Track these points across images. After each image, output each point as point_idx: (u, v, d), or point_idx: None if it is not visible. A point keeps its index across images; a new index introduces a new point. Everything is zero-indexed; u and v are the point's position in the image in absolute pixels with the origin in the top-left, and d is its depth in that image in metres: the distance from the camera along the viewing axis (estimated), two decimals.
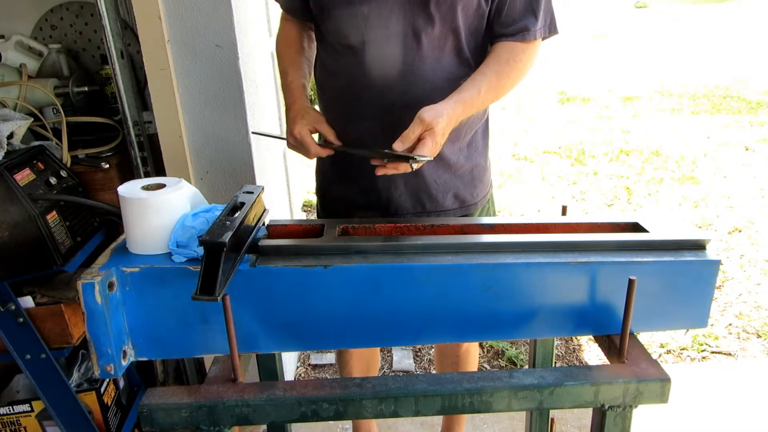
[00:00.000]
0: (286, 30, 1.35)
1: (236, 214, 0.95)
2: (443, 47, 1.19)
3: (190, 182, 1.61)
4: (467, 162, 1.33)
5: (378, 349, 1.81)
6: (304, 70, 1.31)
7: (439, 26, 1.16)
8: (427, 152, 1.06)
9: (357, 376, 1.66)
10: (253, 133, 1.58)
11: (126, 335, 0.94)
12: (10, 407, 1.64)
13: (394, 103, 1.20)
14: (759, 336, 2.46)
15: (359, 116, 1.24)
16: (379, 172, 1.09)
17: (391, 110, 1.21)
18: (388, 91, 1.20)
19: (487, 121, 1.37)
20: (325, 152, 1.20)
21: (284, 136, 1.39)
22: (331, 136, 1.20)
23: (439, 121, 1.07)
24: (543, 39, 1.23)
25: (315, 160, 1.43)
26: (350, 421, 1.92)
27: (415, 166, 1.06)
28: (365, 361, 1.68)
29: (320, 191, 1.47)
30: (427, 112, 1.07)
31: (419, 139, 1.07)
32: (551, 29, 1.23)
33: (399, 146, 1.05)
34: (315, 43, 1.36)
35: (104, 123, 1.77)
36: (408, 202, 1.31)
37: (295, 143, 1.21)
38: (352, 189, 1.34)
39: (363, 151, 1.17)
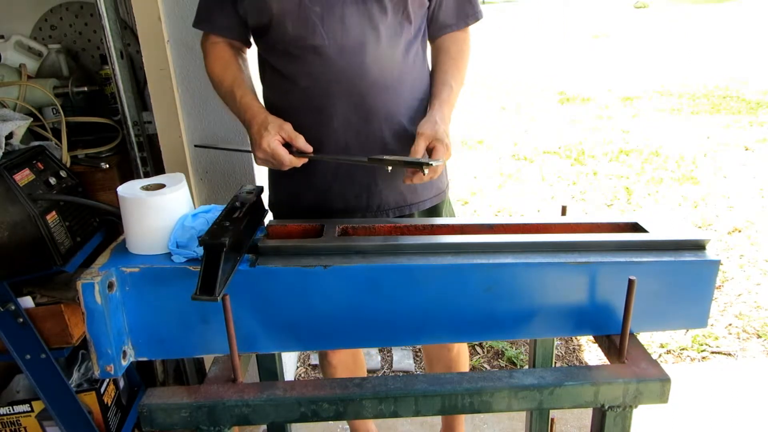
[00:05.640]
0: (218, 53, 1.29)
1: (236, 215, 0.95)
2: (399, 36, 1.22)
3: (189, 182, 1.61)
4: None
5: (363, 362, 1.79)
6: (251, 85, 1.27)
7: (393, 15, 1.20)
8: (442, 156, 1.14)
9: None
10: (196, 146, 1.46)
11: (126, 335, 0.94)
12: (10, 407, 1.64)
13: (365, 93, 1.20)
14: (759, 336, 2.46)
15: (331, 114, 1.22)
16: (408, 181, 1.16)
17: (364, 100, 1.21)
18: (358, 82, 1.19)
19: None
20: (300, 161, 1.16)
21: (240, 148, 1.38)
22: (300, 142, 1.16)
23: (437, 129, 1.15)
24: (475, 23, 1.32)
25: (268, 176, 1.40)
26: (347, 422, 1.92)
27: (427, 171, 1.08)
28: (349, 374, 1.66)
29: (286, 206, 1.37)
30: (425, 126, 1.15)
31: (431, 149, 1.14)
32: (481, 13, 1.33)
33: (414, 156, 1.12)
34: (248, 63, 1.32)
35: (104, 123, 1.77)
36: (390, 196, 1.30)
37: (266, 156, 1.15)
38: (327, 196, 1.29)
39: (357, 158, 1.15)
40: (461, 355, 1.61)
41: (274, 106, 1.27)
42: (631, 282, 0.87)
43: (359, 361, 1.75)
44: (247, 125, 1.21)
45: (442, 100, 1.23)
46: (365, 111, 1.22)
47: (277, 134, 1.14)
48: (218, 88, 1.29)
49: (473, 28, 1.35)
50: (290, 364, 2.30)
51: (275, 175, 1.38)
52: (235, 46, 1.31)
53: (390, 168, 1.11)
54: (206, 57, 1.31)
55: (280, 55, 1.24)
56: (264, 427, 1.74)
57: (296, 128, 1.17)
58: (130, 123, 1.66)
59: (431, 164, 1.08)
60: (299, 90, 1.23)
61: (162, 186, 1.00)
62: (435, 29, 1.30)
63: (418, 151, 1.12)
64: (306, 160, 1.17)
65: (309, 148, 1.16)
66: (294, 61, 1.22)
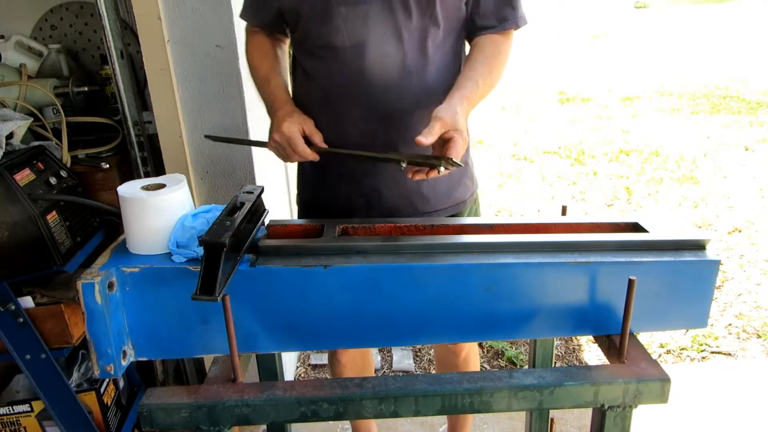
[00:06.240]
0: (259, 42, 1.32)
1: (236, 215, 0.95)
2: (425, 40, 1.19)
3: (189, 182, 1.61)
4: None
5: (371, 360, 1.79)
6: (285, 78, 1.29)
7: (418, 18, 1.16)
8: (460, 150, 1.06)
9: None
10: (206, 137, 1.43)
11: (126, 335, 0.94)
12: (10, 407, 1.64)
13: (378, 99, 1.20)
14: (759, 336, 2.46)
15: (346, 117, 1.22)
16: (417, 177, 1.07)
17: (377, 106, 1.20)
18: (374, 87, 1.19)
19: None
20: (313, 155, 1.16)
21: (250, 139, 1.37)
22: (317, 138, 1.17)
23: (458, 119, 1.07)
24: (516, 29, 1.25)
25: (297, 171, 1.41)
26: (349, 421, 1.92)
27: (443, 171, 1.02)
28: (358, 372, 1.67)
29: (302, 201, 1.42)
30: (445, 111, 1.06)
31: (448, 140, 1.05)
32: (524, 19, 1.26)
33: (423, 141, 1.02)
34: (286, 54, 1.34)
35: (104, 123, 1.77)
36: (400, 204, 1.29)
37: (282, 140, 1.15)
38: (339, 196, 1.31)
39: (372, 153, 1.12)
40: (469, 362, 1.59)
41: (296, 102, 1.28)
42: (631, 282, 0.87)
43: (368, 360, 1.74)
44: (272, 111, 1.23)
45: (463, 94, 1.13)
46: (380, 117, 1.20)
47: (299, 124, 1.16)
48: (254, 74, 1.32)
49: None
50: (290, 364, 2.30)
51: (298, 173, 1.41)
52: (275, 36, 1.33)
53: (404, 164, 1.05)
54: (247, 44, 1.35)
55: (305, 53, 1.25)
56: (264, 427, 1.74)
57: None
58: (130, 123, 1.66)
59: (452, 161, 1.00)
60: (317, 89, 1.24)
61: (162, 186, 1.00)
62: (472, 30, 1.25)
63: (433, 134, 1.02)
64: (317, 157, 1.17)
65: (324, 147, 1.17)
66: (316, 59, 1.23)
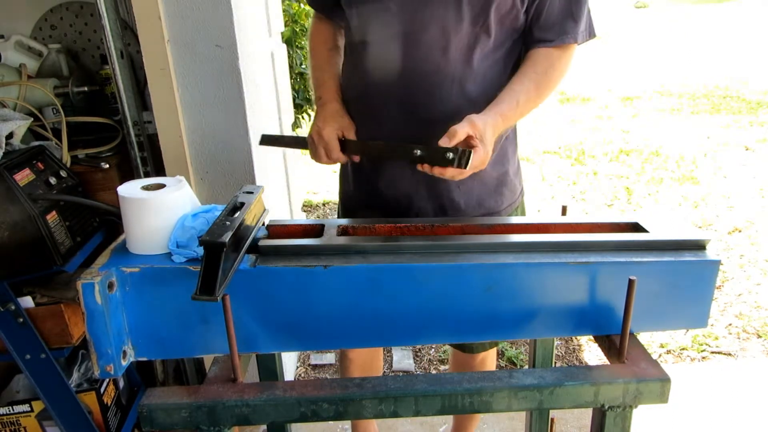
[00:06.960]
0: (320, 28, 1.34)
1: (236, 214, 0.95)
2: (473, 47, 1.15)
3: (189, 182, 1.61)
4: (493, 169, 1.28)
5: (380, 358, 1.79)
6: (339, 69, 1.30)
7: (469, 25, 1.12)
8: (478, 160, 1.04)
9: None
10: (263, 135, 1.42)
11: (126, 335, 0.94)
12: (10, 407, 1.64)
13: (417, 103, 1.17)
14: (759, 336, 2.46)
15: (381, 116, 1.21)
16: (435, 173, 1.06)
17: (415, 111, 1.18)
18: (413, 91, 1.17)
19: (515, 127, 1.34)
20: (344, 159, 1.20)
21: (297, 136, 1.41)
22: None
23: (487, 132, 1.05)
24: (580, 43, 1.20)
25: (339, 164, 1.41)
26: (350, 421, 1.92)
27: (450, 169, 1.01)
28: (366, 369, 1.67)
29: (342, 198, 1.45)
30: (477, 119, 1.05)
31: (470, 147, 1.04)
32: (590, 33, 1.21)
33: (446, 142, 1.01)
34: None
35: (104, 123, 1.77)
36: (429, 207, 1.28)
37: (319, 143, 1.19)
38: (373, 193, 1.32)
39: (392, 143, 1.12)
40: (486, 365, 1.58)
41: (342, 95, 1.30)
42: (631, 282, 0.87)
43: (377, 357, 1.74)
44: (318, 103, 1.26)
45: (501, 109, 1.10)
46: (417, 121, 1.18)
47: (339, 130, 1.19)
48: (310, 59, 1.36)
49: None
50: (290, 364, 2.30)
51: (340, 175, 1.44)
52: (337, 24, 1.33)
53: (418, 152, 1.04)
54: (310, 28, 1.38)
55: (352, 45, 1.26)
56: (264, 427, 1.74)
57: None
58: (130, 123, 1.66)
59: (467, 154, 0.99)
60: (359, 84, 1.25)
61: (162, 186, 1.00)
62: (529, 42, 1.20)
63: (457, 136, 1.01)
64: (344, 161, 1.21)
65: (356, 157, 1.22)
66: (361, 54, 1.22)
